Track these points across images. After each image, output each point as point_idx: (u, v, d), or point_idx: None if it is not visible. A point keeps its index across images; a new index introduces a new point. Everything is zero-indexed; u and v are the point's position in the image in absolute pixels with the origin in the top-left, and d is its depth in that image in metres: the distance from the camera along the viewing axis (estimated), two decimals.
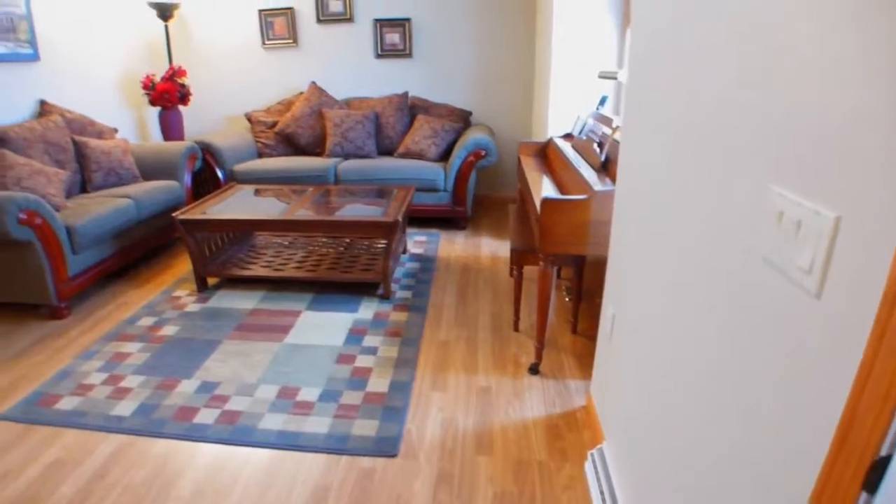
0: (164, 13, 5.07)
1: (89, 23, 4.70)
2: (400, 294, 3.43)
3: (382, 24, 5.22)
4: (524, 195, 3.34)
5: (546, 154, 3.75)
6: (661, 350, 1.48)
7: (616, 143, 2.70)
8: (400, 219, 3.23)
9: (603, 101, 3.51)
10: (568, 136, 3.72)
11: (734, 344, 1.03)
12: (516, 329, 3.04)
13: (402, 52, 5.26)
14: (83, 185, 4.09)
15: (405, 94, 5.07)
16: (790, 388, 0.84)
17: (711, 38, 1.16)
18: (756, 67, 0.96)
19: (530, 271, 3.60)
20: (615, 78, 3.21)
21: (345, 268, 3.53)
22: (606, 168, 2.76)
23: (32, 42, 4.14)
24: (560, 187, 2.98)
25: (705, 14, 1.20)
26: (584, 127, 3.50)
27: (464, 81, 5.29)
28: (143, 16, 5.24)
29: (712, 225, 1.15)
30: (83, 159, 4.07)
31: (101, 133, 4.35)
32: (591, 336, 2.98)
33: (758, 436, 0.93)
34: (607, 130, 2.92)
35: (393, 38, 5.24)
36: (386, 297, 3.34)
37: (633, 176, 1.86)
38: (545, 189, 2.97)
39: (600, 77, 3.41)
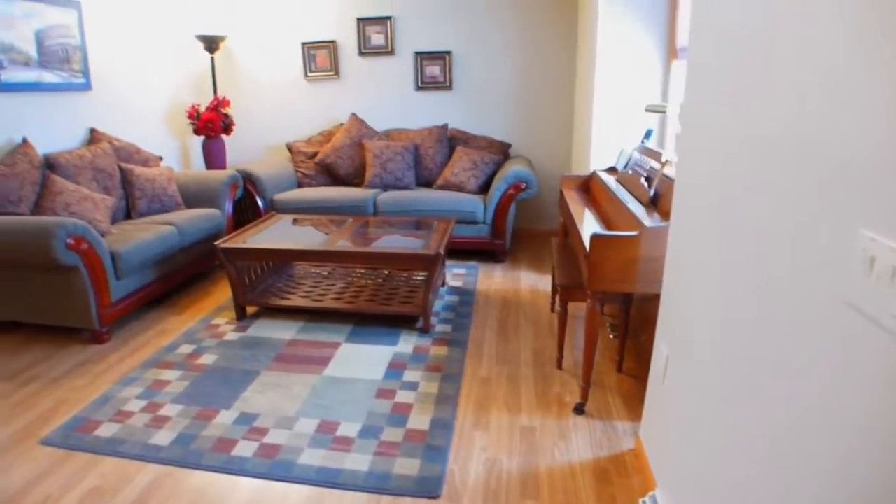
0: (211, 45, 5.20)
1: (139, 54, 4.84)
2: (439, 328, 3.37)
3: (423, 57, 5.27)
4: (568, 229, 3.28)
5: (589, 188, 3.69)
6: (724, 396, 1.40)
7: (666, 178, 2.63)
8: (441, 251, 3.19)
9: (648, 134, 3.45)
10: (611, 170, 3.66)
11: (809, 394, 0.95)
12: (559, 367, 2.95)
13: (442, 84, 5.29)
14: (128, 211, 4.16)
15: (445, 126, 5.09)
16: (872, 444, 0.76)
17: (789, 69, 1.10)
18: (845, 100, 0.90)
19: (573, 307, 3.51)
20: (664, 111, 3.15)
21: (384, 300, 3.49)
22: (656, 203, 2.69)
23: (85, 72, 4.26)
24: (605, 222, 2.91)
25: (783, 43, 1.14)
26: (629, 160, 3.44)
27: (503, 113, 5.29)
28: (191, 48, 5.38)
29: (787, 267, 1.08)
30: (129, 186, 4.14)
31: (147, 161, 4.44)
32: (637, 375, 2.88)
33: (834, 498, 0.84)
34: (656, 165, 2.85)
35: (433, 70, 5.28)
36: (425, 330, 3.29)
37: (692, 212, 1.79)
38: (590, 224, 2.91)
39: (647, 110, 3.36)
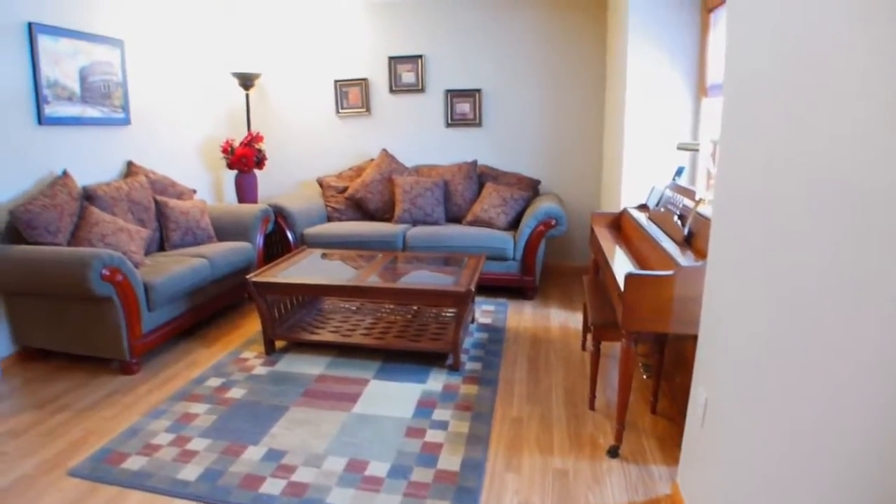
0: (246, 82, 5.33)
1: (177, 90, 4.97)
2: (469, 365, 3.32)
3: (453, 95, 5.33)
4: (601, 267, 3.23)
5: (620, 225, 3.65)
6: (766, 442, 1.33)
7: (700, 217, 2.59)
8: (472, 288, 3.16)
9: (680, 171, 3.42)
10: (642, 207, 3.63)
11: (858, 440, 0.89)
12: (592, 407, 2.88)
13: (471, 121, 5.34)
14: (161, 243, 4.22)
15: (474, 163, 5.11)
16: None
17: (840, 110, 1.07)
18: None
19: (605, 346, 3.44)
20: (696, 149, 3.12)
21: (413, 336, 3.45)
22: (690, 242, 2.64)
23: (125, 107, 4.38)
24: (638, 260, 2.87)
25: (837, 80, 1.12)
26: (660, 198, 3.40)
27: (532, 150, 5.30)
28: (226, 85, 5.52)
29: (839, 317, 1.03)
30: (163, 218, 4.21)
31: (181, 194, 4.51)
32: (672, 417, 2.79)
33: None
34: (689, 203, 2.81)
35: (463, 107, 5.33)
36: (455, 368, 3.24)
37: (732, 253, 1.74)
38: (622, 262, 2.86)
39: (679, 149, 3.34)
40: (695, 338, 2.15)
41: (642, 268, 2.71)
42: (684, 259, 2.36)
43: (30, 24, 3.63)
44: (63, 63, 3.87)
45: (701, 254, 2.46)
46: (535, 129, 5.27)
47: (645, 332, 2.37)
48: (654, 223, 3.10)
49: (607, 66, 4.97)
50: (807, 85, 1.23)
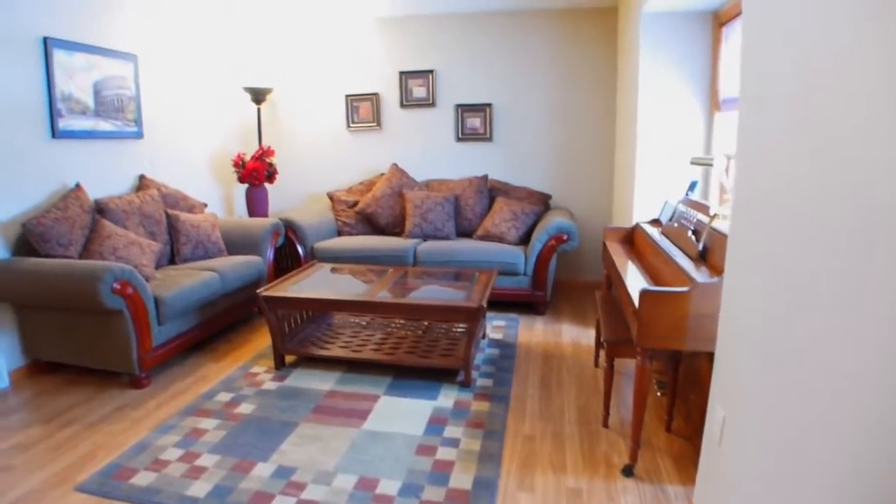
0: (258, 97, 5.36)
1: (189, 105, 5.00)
2: (480, 382, 3.28)
3: (464, 109, 5.34)
4: (613, 282, 3.20)
5: (633, 240, 3.62)
6: (785, 461, 1.29)
7: (715, 232, 2.56)
8: (484, 304, 3.13)
9: (693, 186, 3.39)
10: (655, 222, 3.59)
11: (882, 457, 0.86)
12: (605, 425, 2.83)
13: (482, 135, 5.33)
14: (172, 256, 4.22)
15: (485, 177, 5.10)
16: None
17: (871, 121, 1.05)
18: None
19: (619, 363, 3.39)
20: (710, 164, 3.09)
21: (424, 352, 3.42)
22: (705, 258, 2.61)
23: (138, 121, 4.41)
24: (652, 276, 2.83)
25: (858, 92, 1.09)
26: (673, 213, 3.37)
27: (543, 164, 5.29)
28: (238, 99, 5.55)
29: (866, 328, 0.99)
30: (174, 232, 4.21)
31: (192, 207, 4.52)
32: (687, 436, 2.74)
33: None
34: (703, 218, 2.78)
35: (474, 122, 5.34)
36: (466, 384, 3.20)
37: (750, 269, 1.71)
38: (635, 278, 2.83)
39: (693, 163, 3.31)
40: (710, 355, 2.12)
41: (656, 284, 2.68)
42: (699, 275, 2.33)
43: (45, 39, 3.66)
44: (77, 77, 3.90)
45: (716, 270, 2.43)
46: (546, 144, 5.26)
47: (660, 349, 2.34)
48: (668, 238, 3.07)
49: (618, 81, 4.97)
50: (827, 95, 1.21)
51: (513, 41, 5.19)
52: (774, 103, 1.54)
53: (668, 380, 2.79)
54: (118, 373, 3.41)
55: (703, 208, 2.81)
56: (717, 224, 2.61)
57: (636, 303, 2.31)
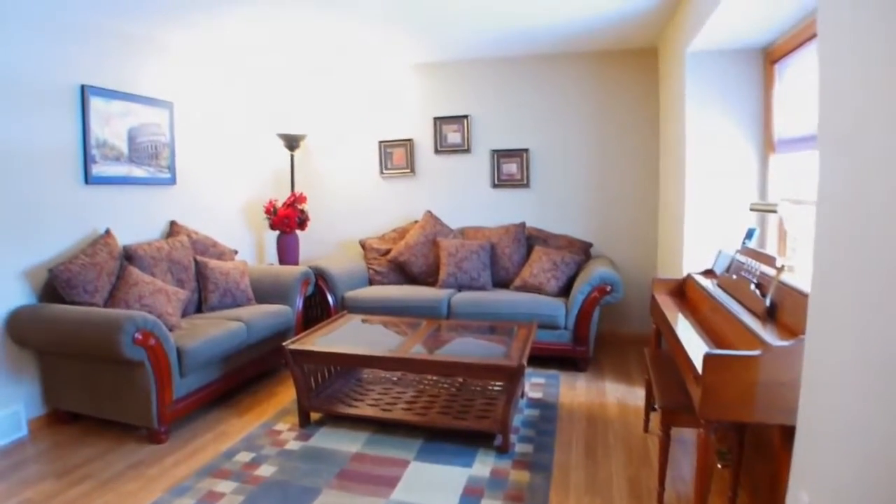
0: (292, 144, 5.32)
1: (222, 151, 4.98)
2: (519, 447, 3.01)
3: (500, 155, 5.20)
4: (665, 339, 2.94)
5: (684, 293, 3.37)
6: None
7: (783, 286, 2.31)
8: (524, 362, 2.89)
9: (750, 234, 3.15)
10: (708, 273, 3.34)
11: None
12: (660, 501, 2.53)
13: (519, 181, 5.17)
14: (199, 304, 4.10)
15: (522, 225, 4.91)
16: None
17: None
18: None
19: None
20: (773, 210, 2.85)
21: (458, 413, 3.17)
22: (772, 315, 2.35)
23: (172, 168, 4.37)
24: (710, 334, 2.57)
25: None
26: (730, 264, 3.12)
27: (582, 211, 5.09)
28: (271, 145, 5.52)
29: None
30: (202, 279, 4.10)
31: (222, 254, 4.43)
32: None
33: None
34: (768, 270, 2.53)
35: (510, 168, 5.19)
36: (504, 450, 2.94)
37: (837, 330, 1.47)
38: (689, 335, 2.58)
39: (752, 210, 3.07)
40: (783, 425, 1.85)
41: (716, 343, 2.43)
42: (769, 335, 2.08)
43: (83, 87, 3.66)
44: (113, 123, 3.89)
45: (787, 329, 2.17)
46: (586, 190, 5.07)
47: (726, 421, 2.07)
48: (725, 292, 2.82)
49: (660, 123, 4.78)
50: None
51: (549, 85, 5.07)
52: (864, 141, 1.33)
53: (731, 448, 2.49)
54: (137, 426, 3.24)
55: (768, 259, 2.56)
56: (785, 277, 2.36)
57: (698, 367, 2.06)
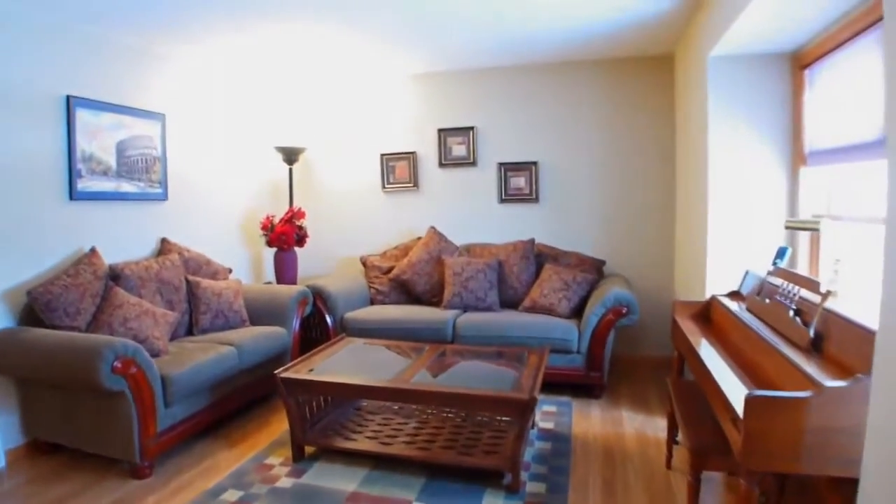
0: (290, 157, 5.11)
1: (217, 165, 4.78)
2: (531, 486, 2.75)
3: (507, 168, 4.99)
4: (692, 370, 2.68)
5: (708, 316, 3.12)
6: None
7: (829, 314, 2.06)
8: (536, 395, 2.64)
9: (782, 253, 2.90)
10: (734, 295, 3.10)
11: None
12: None
13: (527, 196, 4.95)
14: (190, 326, 3.88)
15: (531, 241, 4.67)
16: None
17: None
18: None
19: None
20: (814, 228, 2.60)
21: (463, 447, 2.92)
22: (818, 347, 2.10)
23: (163, 182, 4.17)
24: (745, 367, 2.32)
25: None
26: (761, 286, 2.87)
27: (594, 227, 4.85)
28: (269, 159, 5.32)
29: None
30: (194, 300, 3.89)
31: (216, 273, 4.21)
32: None
33: None
34: (809, 295, 2.29)
35: (518, 182, 4.96)
36: (514, 489, 2.67)
37: None
38: (718, 366, 2.33)
39: (788, 227, 2.83)
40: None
41: (752, 379, 2.18)
42: (817, 372, 1.84)
43: (68, 98, 3.47)
44: (101, 136, 3.70)
45: (835, 364, 1.92)
46: (598, 205, 4.84)
47: (770, 472, 1.82)
48: (757, 317, 2.57)
49: (677, 134, 4.56)
50: None
51: (559, 94, 4.86)
52: None
53: (770, 495, 2.24)
54: (119, 459, 3.01)
55: (809, 283, 2.31)
56: (834, 305, 2.12)
57: (738, 409, 1.82)
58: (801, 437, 1.71)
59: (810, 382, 1.76)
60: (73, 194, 3.52)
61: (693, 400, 2.63)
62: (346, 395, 3.11)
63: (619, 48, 4.43)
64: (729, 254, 3.44)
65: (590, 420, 3.58)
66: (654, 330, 4.71)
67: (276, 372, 3.00)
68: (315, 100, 5.45)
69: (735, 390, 2.03)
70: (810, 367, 1.88)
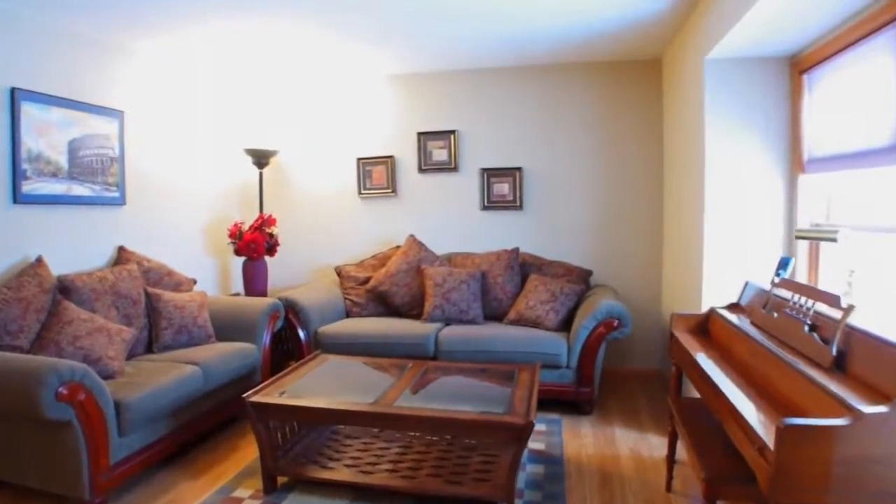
0: (261, 160, 4.84)
1: (181, 167, 4.48)
2: None
3: (490, 174, 4.78)
4: (698, 388, 2.50)
5: (707, 330, 2.95)
6: None
7: (853, 331, 1.89)
8: (533, 419, 2.42)
9: (785, 264, 2.73)
10: (733, 307, 2.93)
11: None
12: None
13: (511, 203, 4.75)
14: (150, 343, 3.57)
15: (515, 251, 4.46)
16: None
17: None
18: None
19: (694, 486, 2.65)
20: (832, 239, 2.43)
21: (451, 475, 2.67)
22: (841, 366, 1.92)
23: (121, 185, 3.87)
24: (758, 388, 2.13)
25: None
26: (766, 298, 2.70)
27: (580, 236, 4.67)
28: (238, 162, 5.03)
29: None
30: (154, 314, 3.58)
31: (179, 284, 3.91)
32: None
33: None
34: (828, 310, 2.12)
35: (501, 188, 4.76)
36: None
37: None
38: (725, 383, 2.15)
39: (799, 237, 2.67)
40: None
41: (769, 400, 2.00)
42: (845, 393, 1.66)
43: (13, 90, 3.16)
44: (51, 134, 3.39)
45: (861, 384, 1.75)
46: (583, 212, 4.66)
47: None
48: (763, 331, 2.40)
49: (665, 141, 4.41)
50: None
51: (544, 98, 4.68)
52: None
53: None
54: (67, 496, 2.69)
55: (825, 296, 2.13)
56: (854, 320, 1.94)
57: (765, 437, 1.63)
58: (834, 467, 1.53)
59: (842, 407, 1.59)
60: (17, 197, 3.21)
61: (699, 421, 2.45)
62: (322, 421, 2.86)
63: (607, 51, 4.27)
64: (725, 264, 3.29)
65: (581, 439, 3.37)
66: (641, 342, 4.55)
67: (244, 396, 2.72)
68: (288, 100, 5.17)
69: (752, 413, 1.86)
70: (839, 390, 1.71)
